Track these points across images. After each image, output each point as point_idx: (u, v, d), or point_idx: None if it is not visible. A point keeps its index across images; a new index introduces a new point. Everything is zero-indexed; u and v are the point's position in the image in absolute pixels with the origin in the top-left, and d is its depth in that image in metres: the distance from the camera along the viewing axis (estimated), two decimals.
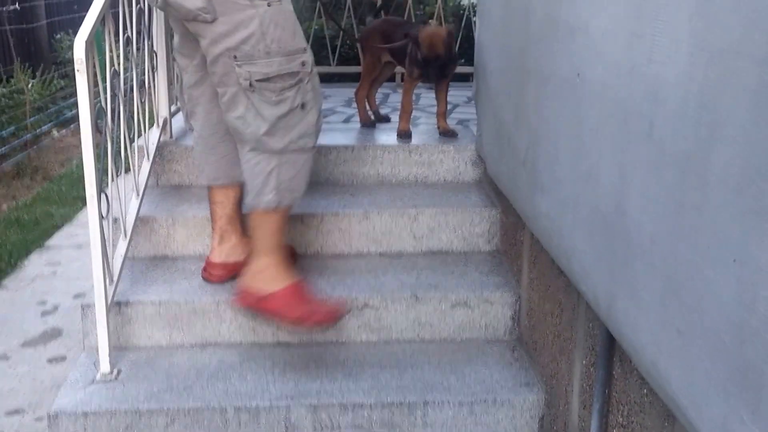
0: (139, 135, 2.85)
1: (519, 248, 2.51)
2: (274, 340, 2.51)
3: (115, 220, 2.48)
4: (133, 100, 2.73)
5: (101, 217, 2.26)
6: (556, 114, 1.86)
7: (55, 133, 6.72)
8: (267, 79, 2.16)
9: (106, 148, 2.35)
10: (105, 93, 2.35)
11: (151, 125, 3.02)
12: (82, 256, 3.99)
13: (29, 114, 6.29)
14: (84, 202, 4.81)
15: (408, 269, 2.67)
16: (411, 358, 2.43)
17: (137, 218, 2.66)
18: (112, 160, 2.42)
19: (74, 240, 4.25)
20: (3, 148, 5.73)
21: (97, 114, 2.31)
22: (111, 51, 2.45)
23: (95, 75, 2.25)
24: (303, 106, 2.22)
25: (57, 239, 4.28)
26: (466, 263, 2.74)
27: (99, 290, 2.27)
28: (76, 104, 7.25)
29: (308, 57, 2.24)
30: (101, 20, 2.26)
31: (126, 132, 2.59)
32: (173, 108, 3.26)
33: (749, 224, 1.03)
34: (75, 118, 7.11)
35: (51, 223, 4.53)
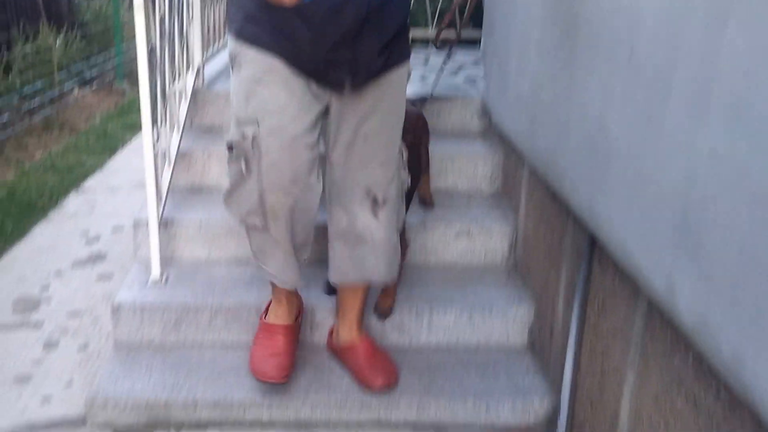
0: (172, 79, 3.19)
1: (518, 186, 2.86)
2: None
3: (162, 151, 2.82)
4: (173, 46, 3.06)
5: (154, 144, 2.61)
6: (554, 58, 2.20)
7: (76, 91, 7.06)
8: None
9: (156, 83, 2.69)
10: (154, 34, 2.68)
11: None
12: (115, 197, 4.36)
13: (57, 71, 6.60)
14: (111, 153, 5.21)
15: (416, 204, 3.02)
16: (419, 278, 2.78)
17: (178, 151, 3.01)
18: (161, 95, 2.75)
19: (107, 184, 4.60)
20: (32, 103, 6.05)
21: (149, 53, 2.64)
22: None
23: (148, 16, 2.59)
24: (243, 181, 2.08)
25: (91, 183, 4.63)
26: (469, 200, 3.09)
27: (151, 207, 2.62)
28: (95, 65, 7.58)
29: (255, 131, 2.02)
30: None
31: (169, 73, 2.92)
32: (206, 56, 3.58)
33: (695, 122, 1.38)
34: (95, 78, 7.45)
35: (83, 169, 4.88)
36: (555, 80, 2.19)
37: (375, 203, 2.20)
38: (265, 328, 2.39)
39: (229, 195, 2.14)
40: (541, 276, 2.53)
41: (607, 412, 1.91)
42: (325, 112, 2.13)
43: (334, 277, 2.37)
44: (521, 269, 2.78)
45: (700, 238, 1.34)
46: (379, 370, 2.36)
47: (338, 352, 2.47)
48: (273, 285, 2.35)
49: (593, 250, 2.02)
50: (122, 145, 5.57)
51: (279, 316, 2.39)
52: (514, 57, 2.69)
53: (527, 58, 2.49)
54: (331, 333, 2.53)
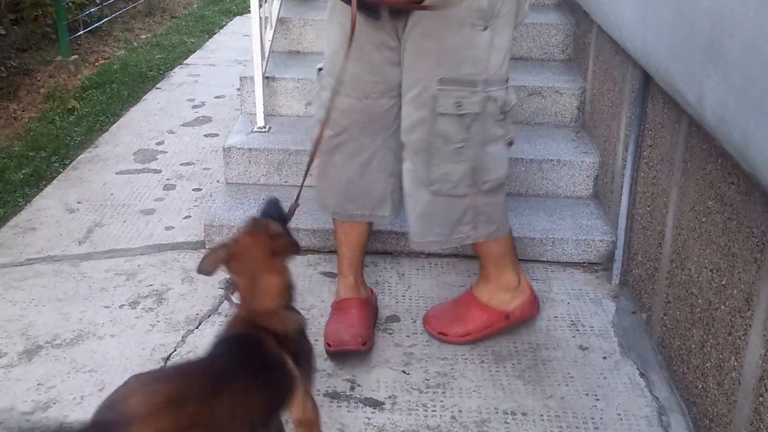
0: None
1: (586, 49, 3.06)
2: None
3: (265, 17, 3.13)
4: None
5: (260, 9, 2.91)
6: None
7: None
8: None
9: None
10: None
11: None
12: (215, 71, 4.73)
13: None
14: (209, 35, 5.56)
15: None
16: None
17: (278, 17, 3.31)
18: None
19: (207, 60, 4.98)
20: None
21: None
22: None
23: None
24: None
25: (193, 59, 5.02)
26: (542, 66, 3.31)
27: (257, 63, 2.95)
28: None
29: None
30: None
31: None
32: None
33: None
34: None
35: (185, 47, 5.27)
36: None
37: None
38: (335, 306, 2.29)
39: None
40: (604, 127, 2.76)
41: (655, 232, 2.19)
42: None
43: None
44: (589, 125, 3.01)
45: (723, 49, 1.58)
46: None
47: None
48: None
49: (647, 90, 2.25)
50: (218, 29, 5.91)
51: (347, 289, 2.29)
52: None
53: None
54: None
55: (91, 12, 5.34)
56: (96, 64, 4.88)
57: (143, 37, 5.61)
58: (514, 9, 1.90)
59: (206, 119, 3.91)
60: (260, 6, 2.97)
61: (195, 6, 6.66)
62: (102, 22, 5.50)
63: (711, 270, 1.78)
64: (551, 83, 3.11)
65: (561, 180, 2.88)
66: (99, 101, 4.14)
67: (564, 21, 3.36)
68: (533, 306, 2.30)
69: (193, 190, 3.17)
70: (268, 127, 3.03)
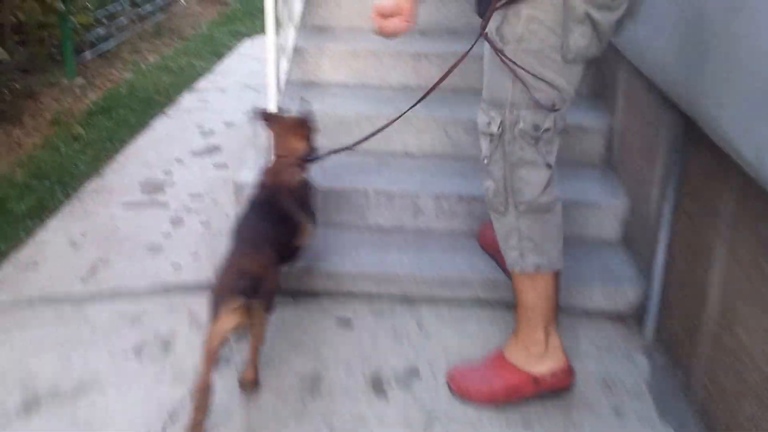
0: None
1: (614, 86, 2.94)
2: (402, 149, 3.05)
3: (280, 46, 3.01)
4: None
5: (276, 36, 2.80)
6: None
7: (183, 1, 7.31)
8: None
9: None
10: None
11: None
12: (224, 97, 4.62)
13: None
14: (218, 58, 5.45)
15: None
16: None
17: (294, 47, 3.20)
18: None
19: (216, 85, 4.87)
20: (144, 10, 6.32)
21: None
22: None
23: None
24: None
25: (202, 83, 4.91)
26: None
27: (271, 97, 2.83)
28: None
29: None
30: None
31: None
32: None
33: None
34: None
35: (194, 71, 5.16)
36: None
37: None
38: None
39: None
40: (635, 169, 2.64)
41: (696, 288, 2.05)
42: None
43: None
44: (616, 165, 2.88)
45: None
46: None
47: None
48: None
49: (688, 135, 2.12)
50: (228, 51, 5.81)
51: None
52: None
53: None
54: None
55: (98, 33, 5.24)
56: (103, 87, 4.77)
57: (151, 59, 5.51)
58: (527, 36, 1.83)
59: (215, 148, 3.79)
60: (277, 34, 2.86)
61: (204, 27, 6.57)
62: (109, 43, 5.40)
63: (767, 339, 1.65)
64: (576, 119, 2.98)
65: (587, 222, 2.75)
66: (105, 127, 4.02)
67: None
68: (567, 376, 2.13)
69: (201, 224, 3.04)
70: None
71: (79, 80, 4.55)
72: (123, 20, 5.84)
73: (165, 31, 6.26)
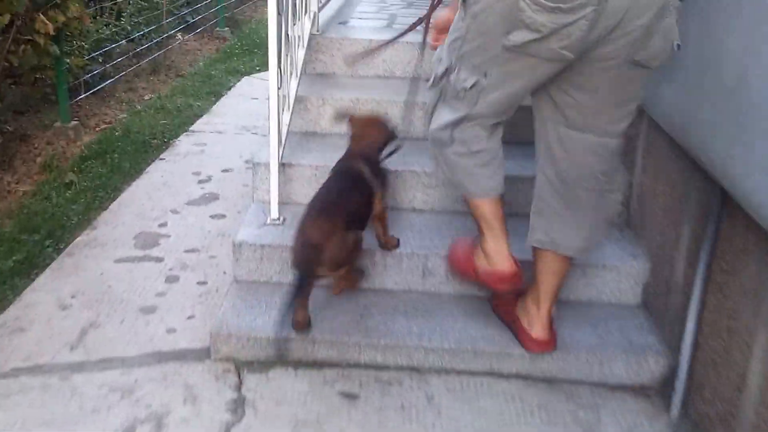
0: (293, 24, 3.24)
1: (633, 141, 2.81)
2: (410, 206, 2.91)
3: (282, 96, 2.88)
4: None
5: (278, 90, 2.67)
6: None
7: (180, 37, 7.20)
8: None
9: (281, 32, 2.73)
10: None
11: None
12: (222, 139, 4.49)
13: (165, 16, 6.73)
14: (216, 97, 5.34)
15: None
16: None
17: (296, 96, 3.07)
18: (285, 40, 2.80)
19: (214, 127, 4.74)
20: (142, 47, 6.20)
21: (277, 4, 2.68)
22: None
23: None
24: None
25: (199, 125, 4.77)
26: None
27: (273, 150, 2.70)
28: (197, 11, 7.67)
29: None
30: None
31: (291, 18, 2.96)
32: (320, 3, 3.62)
33: None
34: (198, 25, 7.59)
35: (191, 112, 5.03)
36: (686, 23, 2.13)
37: None
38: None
39: None
40: (658, 233, 2.50)
41: (732, 373, 1.90)
42: None
43: None
44: (635, 225, 2.75)
45: None
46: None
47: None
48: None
49: (723, 205, 1.99)
50: (225, 90, 5.69)
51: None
52: None
53: None
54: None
55: (93, 72, 5.12)
56: (97, 129, 4.64)
57: (147, 97, 5.39)
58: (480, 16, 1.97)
59: (213, 197, 3.65)
60: (280, 85, 2.73)
61: (201, 64, 6.46)
62: (105, 81, 5.28)
63: None
64: None
65: (606, 286, 2.61)
66: (98, 174, 3.88)
67: None
68: (498, 279, 2.35)
69: (197, 283, 2.89)
70: (282, 218, 2.76)
71: (73, 123, 4.41)
72: (119, 58, 5.72)
73: (162, 68, 6.14)
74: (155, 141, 4.39)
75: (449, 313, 2.54)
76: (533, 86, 2.04)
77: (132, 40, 6.10)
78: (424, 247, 2.63)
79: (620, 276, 2.59)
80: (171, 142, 4.41)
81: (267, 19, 2.61)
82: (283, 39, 2.76)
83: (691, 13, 2.12)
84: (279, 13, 2.64)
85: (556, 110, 2.08)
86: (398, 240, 2.65)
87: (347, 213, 2.34)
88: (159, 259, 3.05)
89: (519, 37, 1.87)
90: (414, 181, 2.88)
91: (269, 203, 2.77)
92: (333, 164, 2.68)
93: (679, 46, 1.87)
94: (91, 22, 5.57)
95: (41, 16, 3.86)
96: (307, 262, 2.24)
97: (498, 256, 2.33)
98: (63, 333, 2.56)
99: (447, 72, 2.12)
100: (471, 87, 2.05)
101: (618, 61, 1.89)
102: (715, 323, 2.02)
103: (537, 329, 2.36)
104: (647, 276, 2.57)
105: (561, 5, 1.77)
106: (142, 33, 6.24)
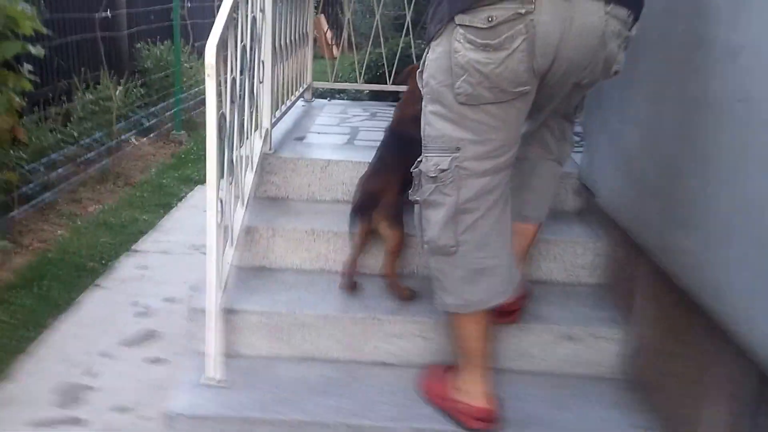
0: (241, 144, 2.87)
1: (630, 284, 2.46)
2: (372, 359, 2.50)
3: (224, 228, 2.49)
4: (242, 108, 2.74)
5: (218, 225, 2.29)
6: (706, 141, 1.82)
7: (134, 141, 6.84)
8: None
9: (224, 152, 2.38)
10: (225, 100, 2.37)
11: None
12: (168, 261, 4.08)
13: (116, 121, 6.39)
14: (165, 210, 4.94)
15: None
16: (513, 391, 2.37)
17: (242, 227, 2.68)
18: (228, 166, 2.44)
19: (159, 246, 4.32)
20: (91, 154, 5.82)
21: (219, 121, 2.33)
22: (232, 58, 2.46)
23: (221, 82, 2.29)
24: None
25: (144, 244, 4.35)
26: (567, 295, 2.69)
27: (210, 297, 2.28)
28: (154, 114, 7.37)
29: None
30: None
31: (237, 140, 2.60)
32: (274, 119, 3.27)
33: None
34: (153, 128, 7.24)
35: (137, 227, 4.62)
36: (707, 167, 1.81)
37: None
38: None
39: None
40: (668, 402, 2.12)
41: None
42: None
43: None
44: (637, 386, 2.36)
45: None
46: None
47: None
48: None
49: (763, 392, 1.62)
50: (177, 201, 5.31)
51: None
52: (636, 136, 2.31)
53: (659, 140, 2.11)
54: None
55: (32, 184, 4.71)
56: (31, 247, 4.20)
57: (91, 209, 4.98)
58: (432, 76, 1.94)
59: (151, 335, 3.20)
60: (221, 214, 2.35)
61: (153, 171, 6.08)
62: (45, 195, 4.86)
63: None
64: (584, 324, 2.48)
65: None
66: (24, 307, 3.43)
67: (592, 237, 2.78)
68: (473, 418, 2.11)
69: None
70: (224, 378, 2.32)
71: (1, 243, 3.97)
72: (62, 170, 5.31)
73: (110, 176, 5.75)
74: (92, 264, 3.95)
75: None
76: (513, 136, 1.97)
77: (81, 146, 5.72)
78: (392, 419, 2.21)
79: None
80: (110, 264, 3.97)
81: None
82: (226, 166, 2.39)
83: (732, 155, 1.81)
84: (220, 138, 2.29)
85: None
86: (414, 293, 2.59)
87: (402, 174, 2.34)
88: (82, 423, 2.58)
89: (465, 82, 1.84)
90: (377, 329, 2.48)
91: (212, 358, 2.34)
92: (283, 309, 2.32)
93: (617, 72, 1.91)
94: (36, 129, 5.22)
95: None
96: (365, 208, 2.51)
97: (479, 391, 2.14)
98: None
99: (420, 167, 2.04)
100: (445, 167, 1.96)
101: (566, 89, 1.97)
102: None
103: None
104: None
105: (489, 41, 1.77)
106: (92, 138, 5.88)
